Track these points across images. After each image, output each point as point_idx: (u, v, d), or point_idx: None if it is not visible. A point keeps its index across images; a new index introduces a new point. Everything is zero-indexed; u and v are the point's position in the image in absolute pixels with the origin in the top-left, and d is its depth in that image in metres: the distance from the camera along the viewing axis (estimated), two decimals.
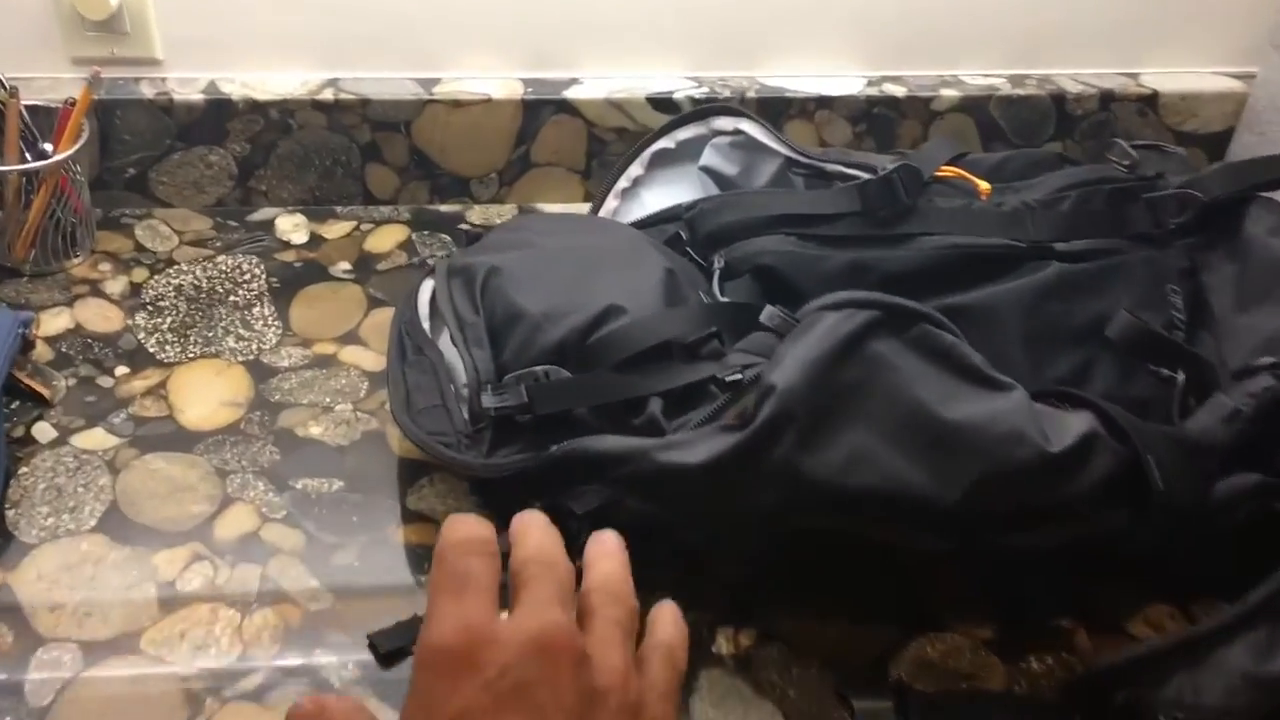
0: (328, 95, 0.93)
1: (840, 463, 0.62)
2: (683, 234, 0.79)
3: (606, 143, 0.97)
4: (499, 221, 0.98)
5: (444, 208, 0.99)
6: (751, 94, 0.96)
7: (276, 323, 0.86)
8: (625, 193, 0.87)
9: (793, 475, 0.62)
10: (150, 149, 0.93)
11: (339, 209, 0.97)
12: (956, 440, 0.62)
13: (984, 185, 0.78)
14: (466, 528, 0.43)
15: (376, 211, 0.98)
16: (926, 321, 0.65)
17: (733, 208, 0.78)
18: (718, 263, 0.77)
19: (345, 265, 0.92)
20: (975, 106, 0.99)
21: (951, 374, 0.64)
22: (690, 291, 0.73)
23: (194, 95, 0.91)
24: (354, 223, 0.96)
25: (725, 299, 0.75)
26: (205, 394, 0.80)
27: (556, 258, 0.73)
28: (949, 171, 0.78)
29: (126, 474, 0.74)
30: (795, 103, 0.97)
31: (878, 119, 0.99)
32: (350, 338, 0.85)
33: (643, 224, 0.82)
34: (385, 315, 0.87)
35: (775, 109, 0.97)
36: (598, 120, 0.96)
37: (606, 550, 0.47)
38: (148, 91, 0.91)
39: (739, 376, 0.65)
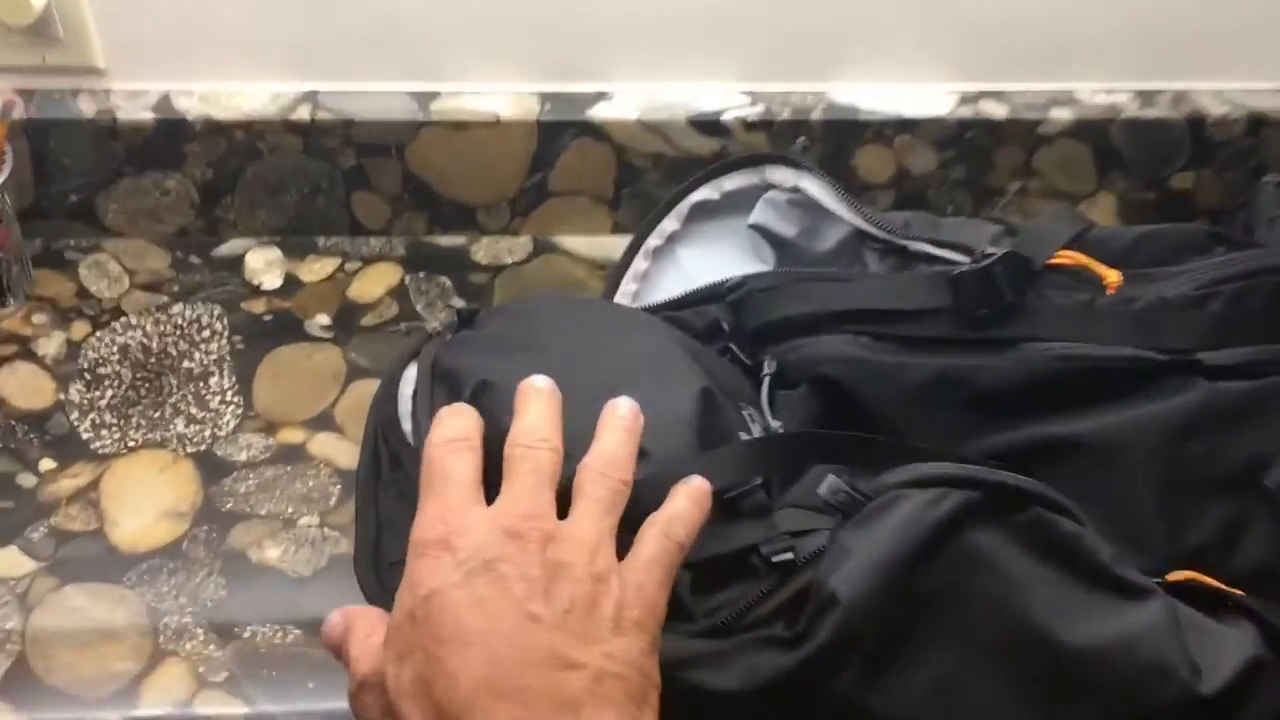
0: (303, 114, 0.77)
1: (921, 698, 0.47)
2: (724, 323, 0.64)
3: (640, 170, 0.81)
4: (510, 261, 0.82)
5: (444, 240, 0.83)
6: (817, 114, 0.79)
7: (236, 398, 0.72)
8: (657, 251, 0.71)
9: (858, 713, 0.47)
10: (94, 174, 0.78)
11: (320, 241, 0.82)
12: (1078, 672, 0.47)
13: (1111, 275, 0.61)
14: (448, 427, 0.47)
15: (365, 245, 0.82)
16: (1041, 504, 0.49)
17: (789, 298, 0.62)
18: (768, 367, 0.61)
19: (324, 319, 0.77)
20: (1093, 130, 0.81)
21: (1072, 577, 0.49)
22: (732, 416, 0.57)
23: (142, 113, 0.76)
24: (338, 260, 0.81)
25: (775, 420, 0.59)
26: (144, 500, 0.66)
27: (566, 371, 0.57)
28: (1068, 258, 0.61)
29: (41, 613, 0.61)
30: (871, 126, 0.80)
31: (970, 145, 0.81)
32: (323, 421, 0.71)
33: (677, 305, 0.66)
34: (366, 390, 0.72)
35: (846, 133, 0.80)
36: (629, 144, 0.80)
37: (614, 423, 0.48)
38: (87, 108, 0.76)
39: (789, 556, 0.50)
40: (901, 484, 0.49)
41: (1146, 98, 0.82)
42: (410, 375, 0.62)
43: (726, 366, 0.62)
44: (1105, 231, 0.65)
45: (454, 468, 0.46)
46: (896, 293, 0.61)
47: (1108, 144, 0.82)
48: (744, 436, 0.56)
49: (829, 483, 0.50)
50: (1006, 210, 0.85)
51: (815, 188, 0.66)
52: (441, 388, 0.59)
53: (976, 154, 0.82)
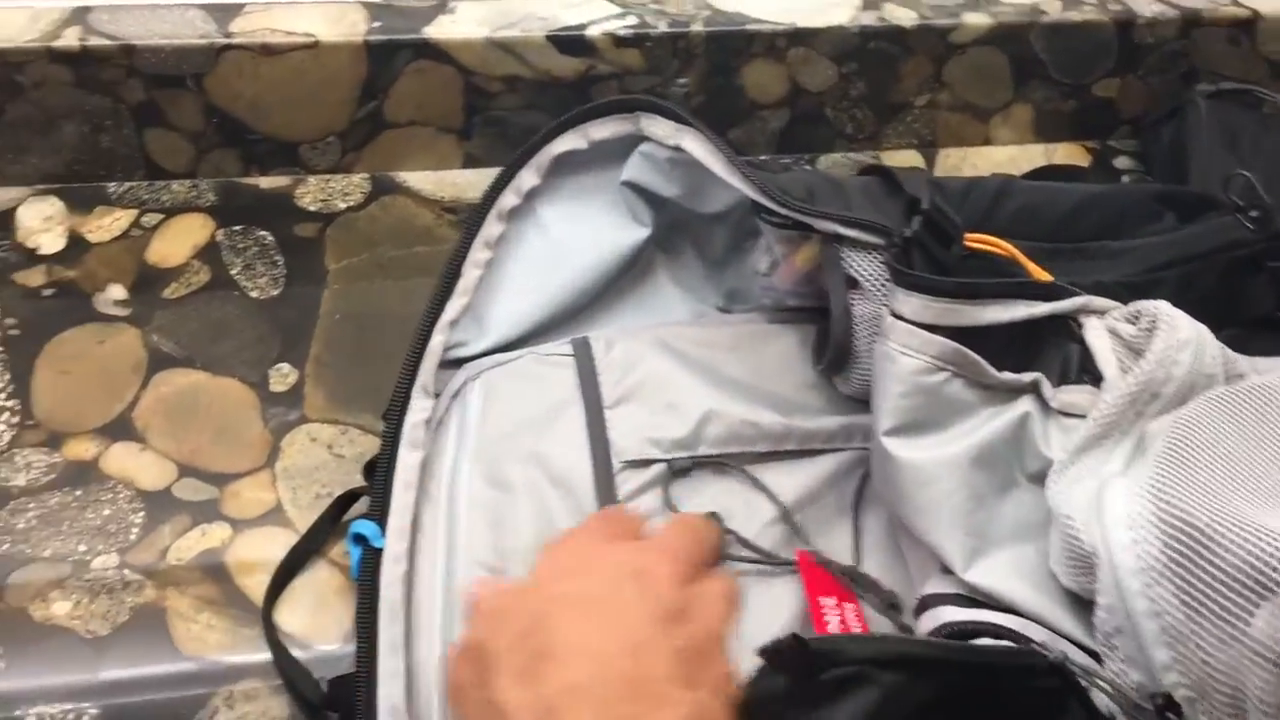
0: (71, 41, 0.62)
1: None
2: None
3: (493, 95, 0.68)
4: (343, 206, 0.70)
5: (265, 182, 0.70)
6: (699, 25, 0.67)
7: (11, 403, 0.60)
8: (515, 212, 0.59)
9: None
10: None
11: (111, 188, 0.68)
12: None
13: (1040, 274, 0.52)
14: None
15: (167, 191, 0.69)
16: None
17: None
18: None
19: (118, 292, 0.64)
20: (1010, 37, 0.71)
21: None
22: None
23: None
24: (133, 211, 0.68)
25: None
26: None
27: None
28: (985, 243, 0.52)
29: None
30: (759, 38, 0.68)
31: (873, 56, 0.71)
32: (120, 428, 0.59)
33: None
34: (174, 383, 0.61)
35: (731, 47, 0.68)
36: (478, 67, 0.67)
37: None
38: None
39: None
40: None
41: None
42: None
43: None
44: (1039, 195, 0.56)
45: None
46: None
47: (1027, 51, 0.72)
48: None
49: None
50: (913, 126, 0.75)
51: (699, 148, 0.54)
52: None
53: (879, 65, 0.71)
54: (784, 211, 0.52)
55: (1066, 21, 0.71)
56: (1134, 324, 0.47)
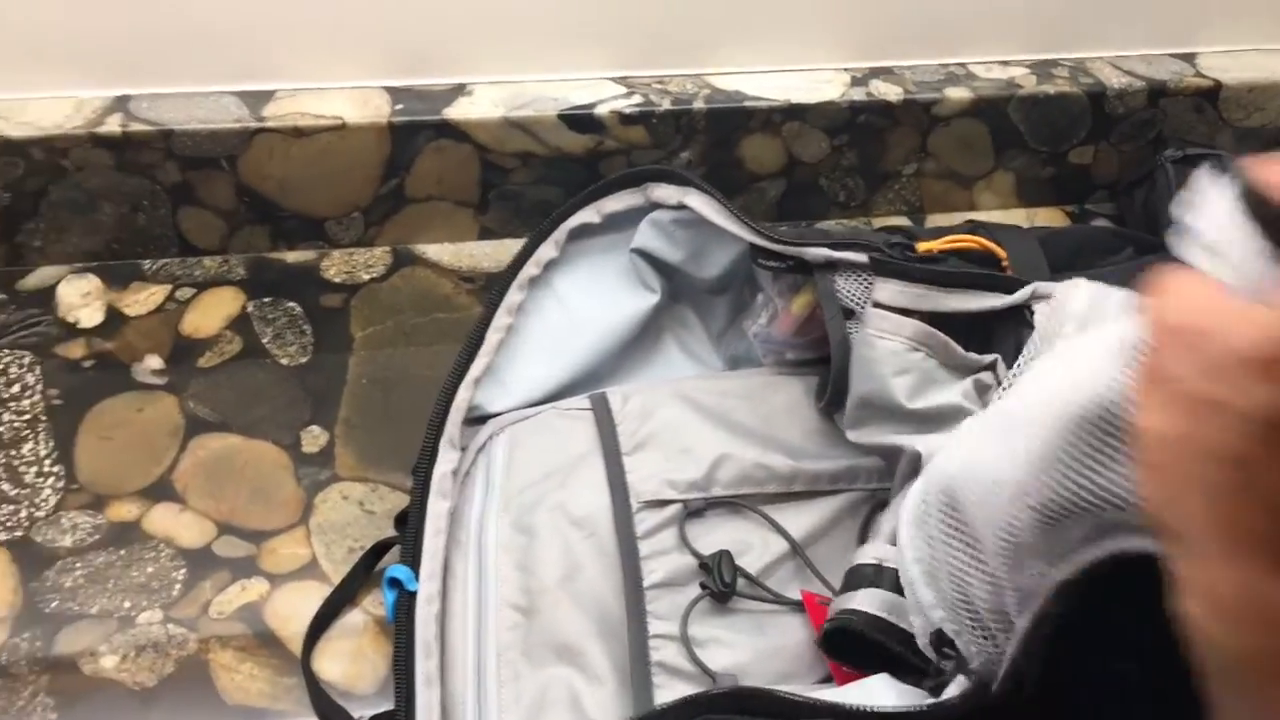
0: (113, 127, 0.66)
1: None
2: None
3: (508, 171, 0.73)
4: (366, 277, 0.73)
5: (292, 257, 0.74)
6: (699, 103, 0.72)
7: (56, 468, 0.62)
8: (535, 282, 0.63)
9: None
10: None
11: (146, 265, 0.72)
12: None
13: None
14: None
15: (199, 267, 0.73)
16: None
17: None
18: None
19: (155, 362, 0.68)
20: (990, 109, 0.76)
21: None
22: None
23: None
24: (168, 286, 0.71)
25: None
26: None
27: None
28: (965, 241, 0.57)
29: None
30: (757, 114, 0.73)
31: (863, 129, 0.75)
32: (160, 490, 0.62)
33: None
34: (210, 446, 0.64)
35: (730, 123, 0.73)
36: (494, 145, 0.71)
37: None
38: None
39: None
40: None
41: (1043, 71, 0.77)
42: None
43: None
44: (1008, 233, 0.60)
45: None
46: None
47: (1005, 122, 0.77)
48: None
49: None
50: (901, 194, 0.80)
51: (700, 203, 0.59)
52: None
53: (869, 137, 0.76)
54: (776, 247, 0.56)
55: (1041, 94, 0.76)
56: None
